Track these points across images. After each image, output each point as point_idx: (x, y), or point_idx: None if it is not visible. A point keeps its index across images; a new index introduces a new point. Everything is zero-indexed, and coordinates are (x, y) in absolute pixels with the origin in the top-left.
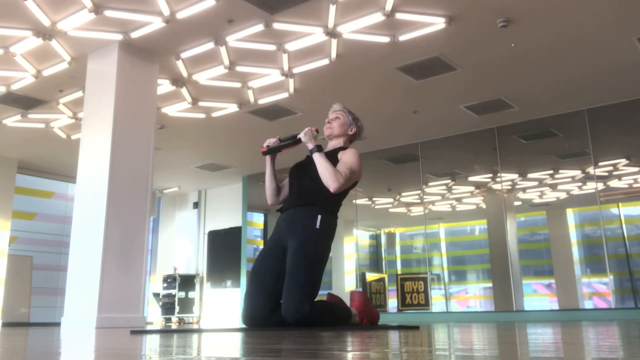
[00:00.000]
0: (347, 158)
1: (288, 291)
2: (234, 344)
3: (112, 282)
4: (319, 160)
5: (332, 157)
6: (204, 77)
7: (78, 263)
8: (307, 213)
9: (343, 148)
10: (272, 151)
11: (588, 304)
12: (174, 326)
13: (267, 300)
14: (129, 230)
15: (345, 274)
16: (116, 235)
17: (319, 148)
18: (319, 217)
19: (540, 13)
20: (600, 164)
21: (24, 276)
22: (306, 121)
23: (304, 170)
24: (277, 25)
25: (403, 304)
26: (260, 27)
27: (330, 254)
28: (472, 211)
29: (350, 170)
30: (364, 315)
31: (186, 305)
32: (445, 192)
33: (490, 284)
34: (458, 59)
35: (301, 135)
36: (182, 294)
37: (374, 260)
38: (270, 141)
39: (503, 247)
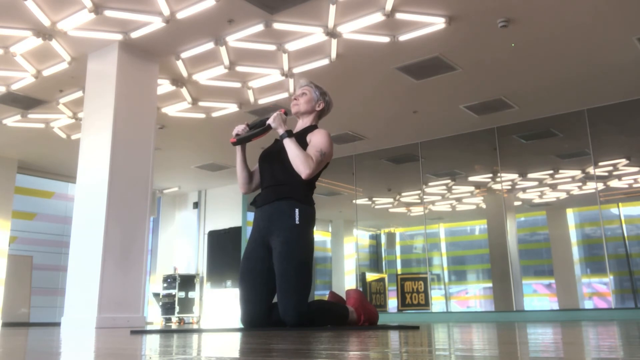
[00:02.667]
0: (317, 140)
1: (283, 297)
2: (234, 344)
3: (112, 282)
4: (290, 146)
5: (301, 140)
6: (204, 77)
7: (78, 263)
8: (284, 208)
9: (312, 127)
10: (242, 141)
11: (588, 304)
12: (174, 326)
13: (262, 302)
14: (129, 230)
15: (345, 274)
16: (116, 236)
17: (289, 133)
18: (297, 210)
19: (540, 13)
20: (600, 164)
21: (24, 276)
22: None
23: (275, 159)
24: (277, 25)
25: (403, 304)
26: (260, 27)
27: (330, 254)
28: (472, 211)
29: (321, 153)
30: (361, 312)
31: (186, 305)
32: (445, 192)
33: (490, 284)
34: (458, 59)
35: (270, 121)
36: (182, 294)
37: (374, 260)
38: (239, 129)
39: (503, 247)
